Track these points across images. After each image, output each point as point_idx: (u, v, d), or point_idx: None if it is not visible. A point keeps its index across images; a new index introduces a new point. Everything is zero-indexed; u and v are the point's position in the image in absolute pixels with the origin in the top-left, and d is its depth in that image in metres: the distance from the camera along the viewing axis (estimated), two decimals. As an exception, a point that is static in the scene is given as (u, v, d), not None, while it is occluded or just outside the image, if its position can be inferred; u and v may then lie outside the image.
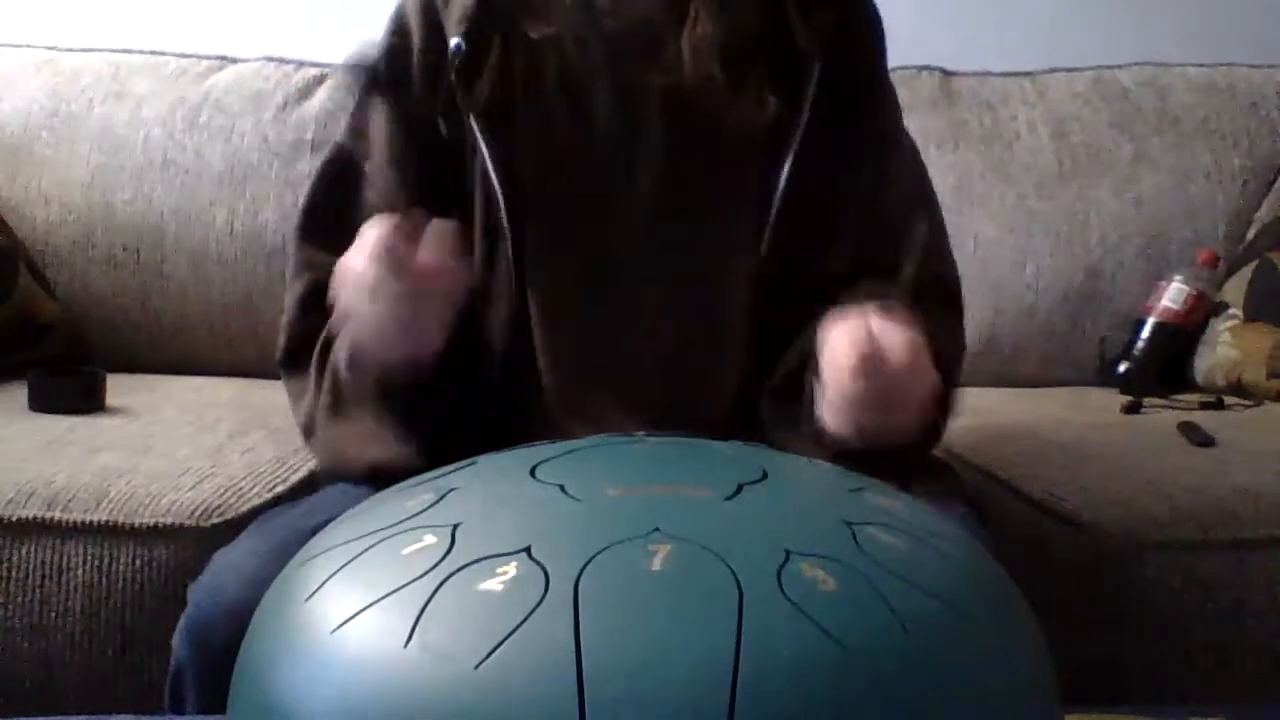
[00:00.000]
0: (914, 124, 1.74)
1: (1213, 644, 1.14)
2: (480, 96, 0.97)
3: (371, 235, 0.84)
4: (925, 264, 1.03)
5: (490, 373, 0.98)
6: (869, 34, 1.02)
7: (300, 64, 1.84)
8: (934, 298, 1.01)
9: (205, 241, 1.74)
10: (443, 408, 0.92)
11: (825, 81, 0.96)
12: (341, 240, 1.00)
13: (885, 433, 0.85)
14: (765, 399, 0.98)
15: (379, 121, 1.01)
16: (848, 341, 0.83)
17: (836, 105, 0.97)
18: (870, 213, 1.00)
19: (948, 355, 0.95)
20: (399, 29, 1.02)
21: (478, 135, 0.97)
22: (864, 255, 0.99)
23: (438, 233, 0.85)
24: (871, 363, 0.82)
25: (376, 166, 1.01)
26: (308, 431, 1.01)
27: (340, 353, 0.94)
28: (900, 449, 0.87)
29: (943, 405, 0.94)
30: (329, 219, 1.02)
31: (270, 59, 1.85)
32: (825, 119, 0.96)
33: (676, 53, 0.95)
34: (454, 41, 0.97)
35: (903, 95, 1.79)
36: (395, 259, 0.83)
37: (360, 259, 0.84)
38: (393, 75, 1.01)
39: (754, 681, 0.42)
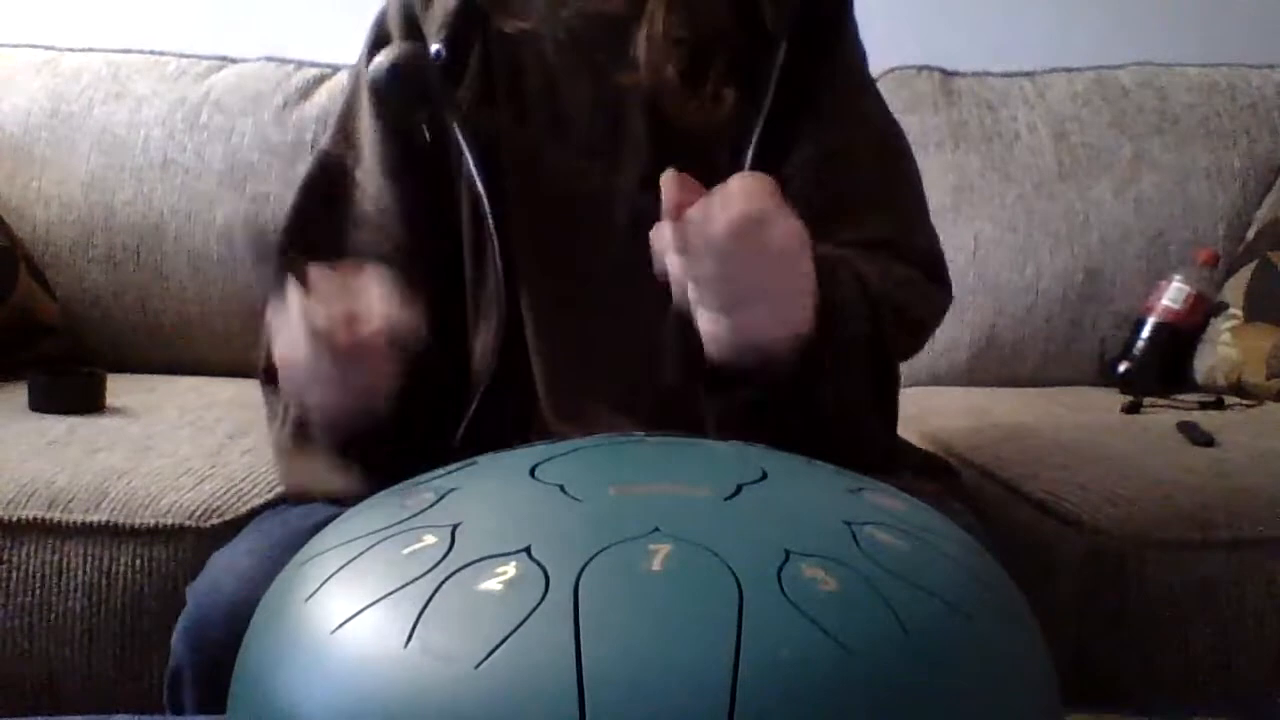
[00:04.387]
0: (914, 124, 1.76)
1: (1213, 644, 1.14)
2: (461, 101, 0.97)
3: (295, 310, 0.80)
4: (889, 232, 0.99)
5: (472, 385, 0.97)
6: (834, 7, 1.01)
7: (300, 64, 1.85)
8: (896, 260, 0.96)
9: (205, 241, 1.74)
10: (402, 444, 0.89)
11: (790, 62, 0.95)
12: (328, 250, 1.00)
13: (752, 323, 0.75)
14: (705, 402, 0.92)
15: (367, 127, 1.01)
16: (666, 229, 0.74)
17: (800, 82, 0.96)
18: (825, 174, 0.97)
19: (884, 296, 0.89)
20: (380, 36, 1.02)
21: (460, 140, 0.97)
22: (816, 221, 0.96)
23: (371, 284, 0.81)
24: (689, 234, 0.72)
25: (367, 172, 1.01)
26: (277, 453, 1.00)
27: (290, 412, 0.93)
28: (798, 355, 0.79)
29: (878, 358, 0.89)
30: (315, 229, 1.02)
31: (270, 59, 1.85)
32: (790, 99, 0.95)
33: (636, 50, 0.95)
34: (434, 47, 0.97)
35: (903, 95, 1.83)
36: (323, 333, 0.79)
37: (288, 340, 0.81)
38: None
39: (754, 681, 0.42)
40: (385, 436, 0.87)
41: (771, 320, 0.78)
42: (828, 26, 1.00)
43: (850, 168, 0.99)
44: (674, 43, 0.94)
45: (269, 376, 1.01)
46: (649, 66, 0.94)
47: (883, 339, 0.89)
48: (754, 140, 0.94)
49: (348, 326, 0.79)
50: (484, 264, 0.98)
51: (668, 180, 0.74)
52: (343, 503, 0.90)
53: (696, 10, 0.95)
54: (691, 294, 0.76)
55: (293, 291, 0.80)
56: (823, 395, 0.84)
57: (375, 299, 0.80)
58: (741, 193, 0.73)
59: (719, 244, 0.73)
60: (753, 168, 0.94)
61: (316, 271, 0.81)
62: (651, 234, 0.76)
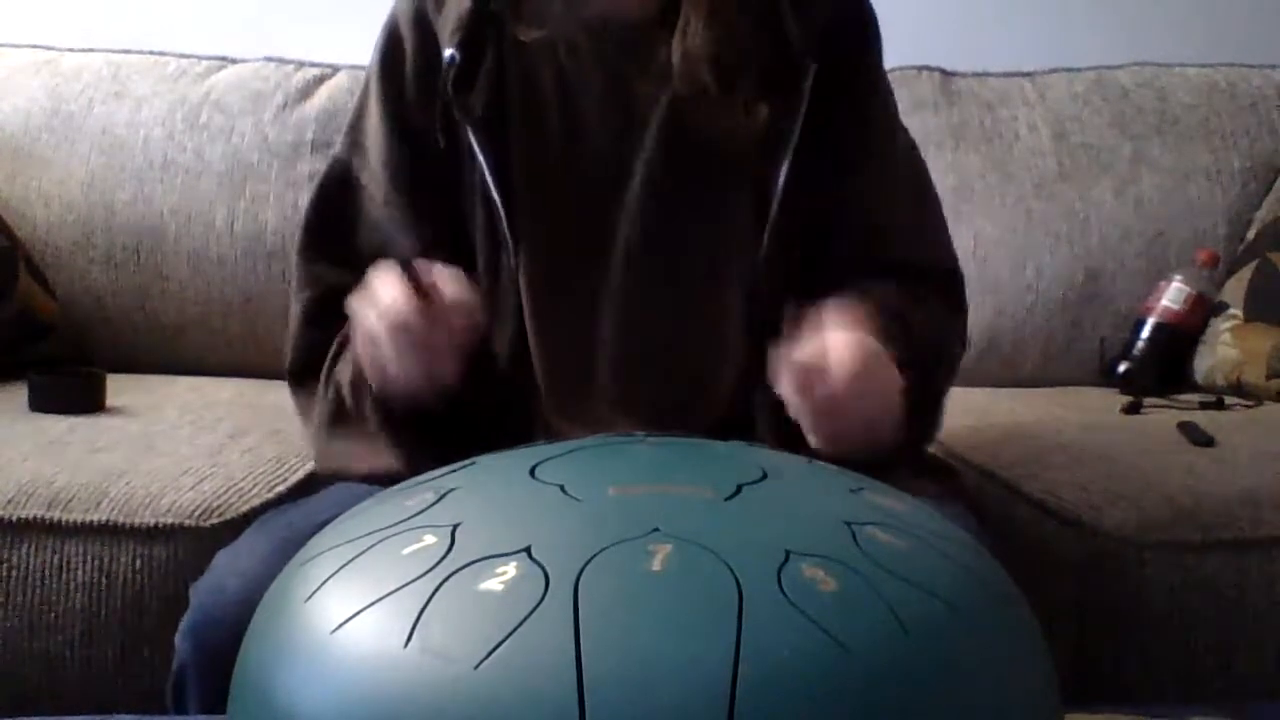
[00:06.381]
0: (914, 124, 1.75)
1: (1213, 644, 1.14)
2: (475, 106, 0.97)
3: (383, 285, 0.85)
4: (925, 258, 1.02)
5: (495, 382, 0.98)
6: (864, 33, 1.01)
7: (300, 64, 1.84)
8: (932, 291, 1.00)
9: (205, 241, 1.74)
10: (444, 428, 0.92)
11: (820, 83, 0.96)
12: (344, 255, 1.01)
13: (851, 442, 0.84)
14: (757, 398, 0.98)
15: (375, 133, 1.01)
16: (790, 359, 0.83)
17: (832, 106, 0.97)
18: (868, 210, 1.00)
19: (930, 345, 0.94)
20: (392, 39, 1.02)
21: (474, 144, 0.97)
22: (861, 253, 0.99)
23: (451, 275, 0.86)
24: (806, 379, 0.82)
25: (374, 178, 1.01)
26: (315, 444, 1.02)
27: (345, 378, 0.96)
28: (887, 452, 0.86)
29: (924, 403, 0.94)
30: (330, 234, 1.03)
31: (270, 59, 1.85)
32: (821, 120, 0.96)
33: (667, 60, 0.95)
34: (448, 52, 0.97)
35: (903, 95, 1.81)
36: (409, 311, 0.83)
37: (372, 311, 0.85)
38: (387, 86, 1.01)
39: (754, 682, 0.42)
40: (429, 421, 0.91)
41: (866, 439, 0.86)
42: (855, 48, 1.00)
43: (891, 194, 1.02)
44: (707, 55, 0.94)
45: (295, 378, 1.03)
46: (684, 76, 0.94)
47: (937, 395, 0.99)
48: (788, 159, 0.95)
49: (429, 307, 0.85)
50: (497, 268, 0.98)
51: (790, 321, 0.84)
52: (373, 479, 0.92)
53: (727, 25, 0.95)
54: (800, 412, 0.85)
55: (384, 276, 0.85)
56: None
57: (450, 283, 0.86)
58: (850, 347, 0.83)
59: (831, 395, 0.82)
60: (786, 184, 0.95)
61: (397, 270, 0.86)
62: (770, 354, 0.85)
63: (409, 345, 0.84)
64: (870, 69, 1.02)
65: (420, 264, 0.86)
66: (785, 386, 0.84)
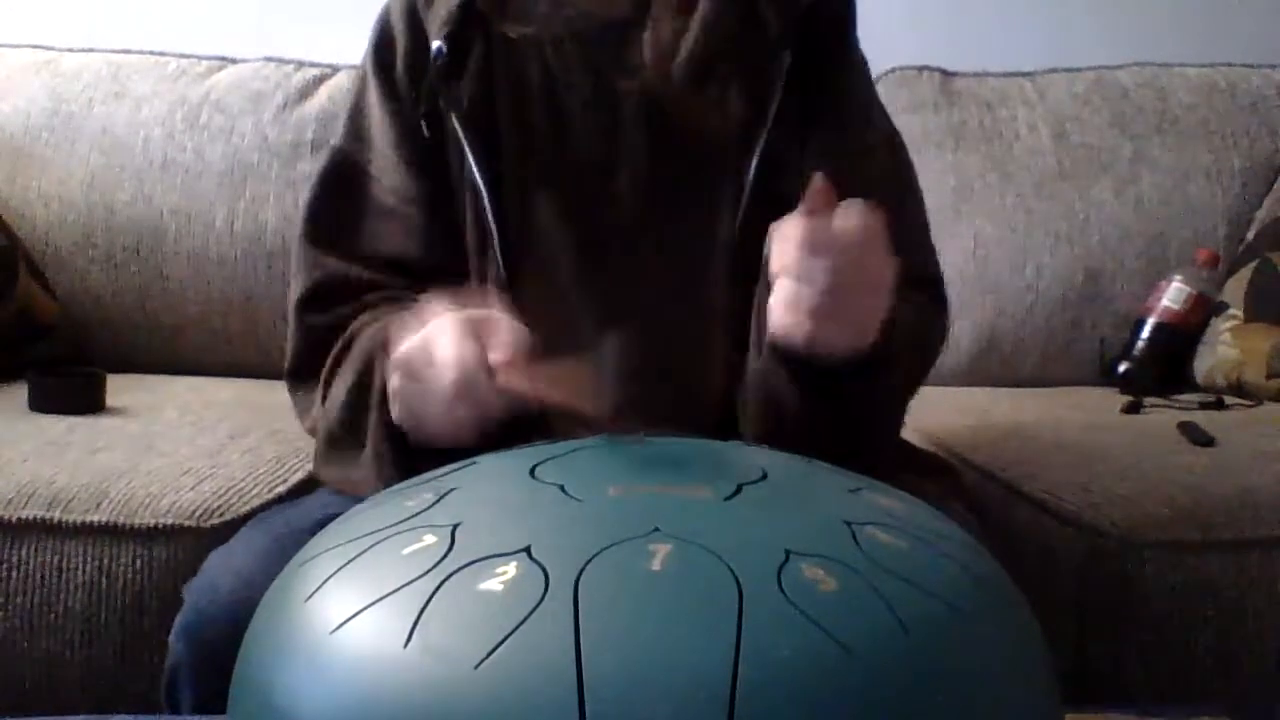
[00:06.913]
0: (914, 124, 1.76)
1: (1213, 644, 1.14)
2: (462, 98, 0.98)
3: (443, 333, 0.79)
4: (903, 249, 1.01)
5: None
6: (838, 15, 1.01)
7: (300, 64, 1.85)
8: (915, 290, 0.99)
9: (205, 241, 1.74)
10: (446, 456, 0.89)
11: (795, 70, 0.96)
12: (349, 243, 1.01)
13: (831, 342, 0.80)
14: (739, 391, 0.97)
15: (378, 122, 1.02)
16: (795, 224, 0.77)
17: (805, 90, 0.96)
18: (847, 193, 0.99)
19: (912, 335, 0.92)
20: (384, 33, 1.03)
21: (461, 136, 0.97)
22: None
23: (508, 333, 0.80)
24: (802, 249, 0.76)
25: (383, 165, 1.01)
26: (314, 457, 1.01)
27: (339, 396, 0.93)
28: (849, 366, 0.82)
29: (887, 352, 0.89)
30: (332, 222, 1.03)
31: (270, 59, 1.85)
32: (794, 106, 0.96)
33: (641, 54, 0.95)
34: (435, 45, 0.98)
35: (903, 95, 1.83)
36: (476, 370, 0.78)
37: (437, 367, 0.79)
38: (382, 80, 1.02)
39: (753, 682, 0.42)
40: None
41: (841, 338, 0.81)
42: (832, 35, 1.00)
43: (864, 185, 0.99)
44: (678, 49, 0.94)
45: (293, 376, 1.02)
46: (655, 69, 0.94)
47: (899, 368, 0.92)
48: (759, 149, 0.95)
49: (490, 373, 0.79)
50: (485, 260, 0.99)
51: (816, 182, 0.77)
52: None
53: (700, 18, 0.95)
54: (785, 289, 0.79)
55: (445, 322, 0.80)
56: (846, 408, 0.87)
57: (504, 333, 0.80)
58: (866, 219, 0.77)
59: (843, 254, 0.76)
60: (757, 177, 0.95)
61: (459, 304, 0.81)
62: (772, 226, 0.79)
63: (467, 404, 0.80)
64: (843, 48, 1.02)
65: (470, 298, 0.81)
66: (776, 258, 0.77)
